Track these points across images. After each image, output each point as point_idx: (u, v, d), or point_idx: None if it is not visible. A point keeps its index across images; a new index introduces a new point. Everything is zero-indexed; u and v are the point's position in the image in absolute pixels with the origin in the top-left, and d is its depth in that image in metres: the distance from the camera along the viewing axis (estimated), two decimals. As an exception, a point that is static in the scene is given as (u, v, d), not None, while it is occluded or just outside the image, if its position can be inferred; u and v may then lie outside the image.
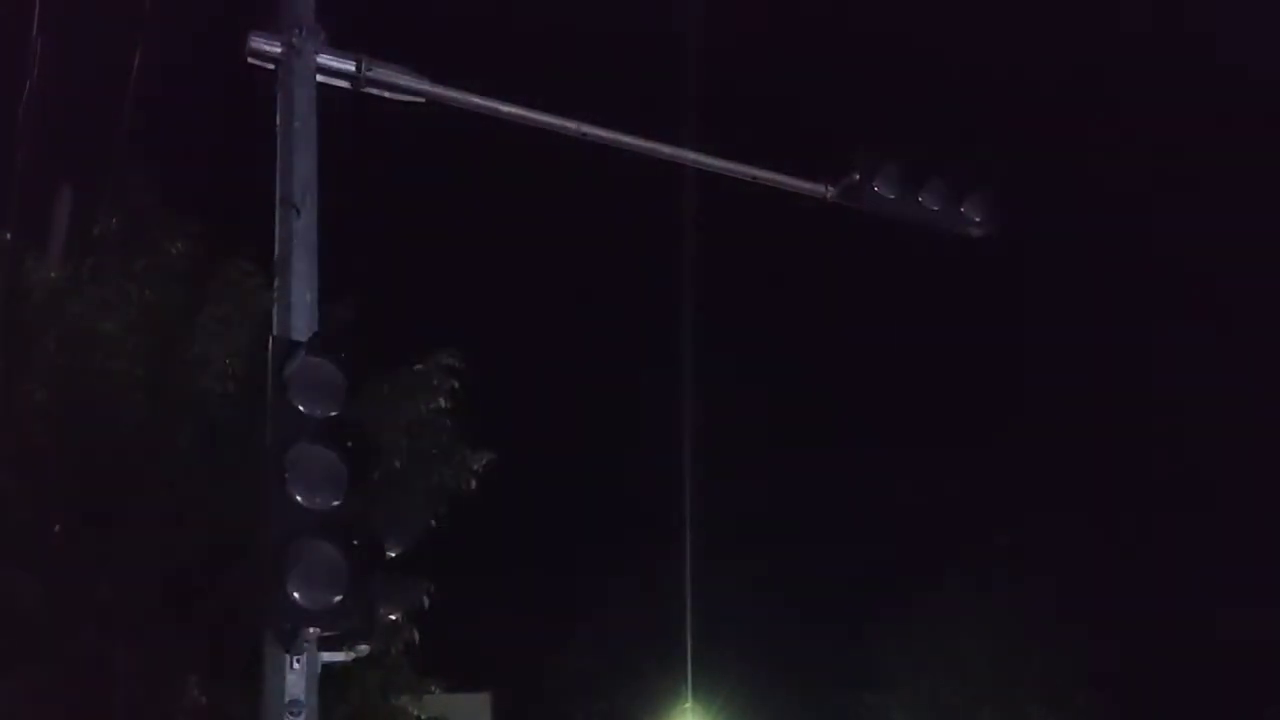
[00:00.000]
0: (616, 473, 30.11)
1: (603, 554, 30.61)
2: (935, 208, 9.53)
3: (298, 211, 7.01)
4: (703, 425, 25.57)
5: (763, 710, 28.31)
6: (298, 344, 6.61)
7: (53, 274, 12.22)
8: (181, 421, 11.40)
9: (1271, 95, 26.71)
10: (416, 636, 11.83)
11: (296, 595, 6.06)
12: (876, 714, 27.18)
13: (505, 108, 8.44)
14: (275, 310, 7.01)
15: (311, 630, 6.20)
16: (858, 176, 9.36)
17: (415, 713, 12.59)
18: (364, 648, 6.71)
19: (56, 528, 10.96)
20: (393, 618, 11.19)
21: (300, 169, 7.16)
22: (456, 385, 12.34)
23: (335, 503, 6.30)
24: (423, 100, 8.07)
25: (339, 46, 7.67)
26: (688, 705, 27.60)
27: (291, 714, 6.27)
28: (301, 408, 6.38)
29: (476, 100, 8.32)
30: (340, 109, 7.72)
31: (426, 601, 11.39)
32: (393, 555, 6.72)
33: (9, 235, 12.11)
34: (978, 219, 9.66)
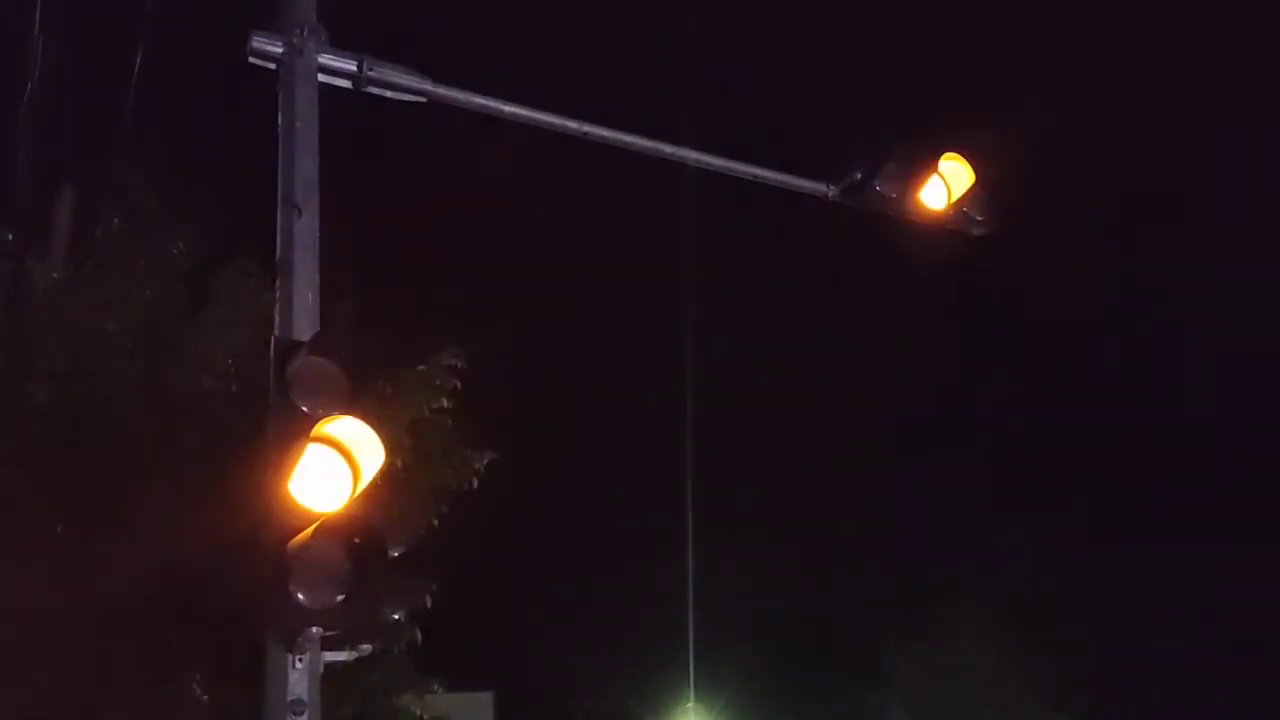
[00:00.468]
0: (618, 471, 30.12)
1: (605, 553, 30.62)
2: (937, 207, 9.53)
3: (299, 211, 7.00)
4: (705, 423, 25.58)
5: (764, 709, 28.33)
6: (299, 344, 6.61)
7: (54, 274, 12.23)
8: (183, 422, 11.40)
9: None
10: (419, 636, 11.84)
11: (299, 595, 6.07)
12: (878, 713, 27.18)
13: (507, 107, 8.44)
14: (277, 310, 7.01)
15: (314, 630, 6.19)
16: (859, 175, 9.37)
17: (418, 712, 12.60)
18: (366, 647, 6.73)
19: (59, 528, 10.96)
20: (395, 617, 11.21)
21: (302, 169, 7.16)
22: (458, 385, 12.34)
23: (338, 503, 6.30)
24: (424, 100, 8.07)
25: (340, 46, 7.67)
26: (690, 704, 27.64)
27: (294, 713, 6.26)
28: (304, 408, 6.38)
29: (478, 100, 8.32)
30: (342, 109, 7.73)
31: (429, 601, 11.40)
32: (395, 555, 6.71)
33: (10, 235, 12.12)
34: (979, 218, 9.66)
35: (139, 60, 10.67)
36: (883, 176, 9.38)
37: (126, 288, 11.83)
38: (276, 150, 7.26)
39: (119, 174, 12.13)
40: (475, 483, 12.35)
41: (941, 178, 9.50)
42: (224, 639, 10.52)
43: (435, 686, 12.72)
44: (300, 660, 6.27)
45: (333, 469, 6.32)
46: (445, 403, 12.25)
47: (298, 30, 7.42)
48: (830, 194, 9.47)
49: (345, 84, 7.72)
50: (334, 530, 6.18)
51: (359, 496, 6.33)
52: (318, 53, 7.50)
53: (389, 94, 7.93)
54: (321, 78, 7.52)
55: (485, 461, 12.43)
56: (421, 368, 12.24)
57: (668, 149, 9.06)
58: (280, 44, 7.43)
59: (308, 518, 6.17)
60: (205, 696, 10.91)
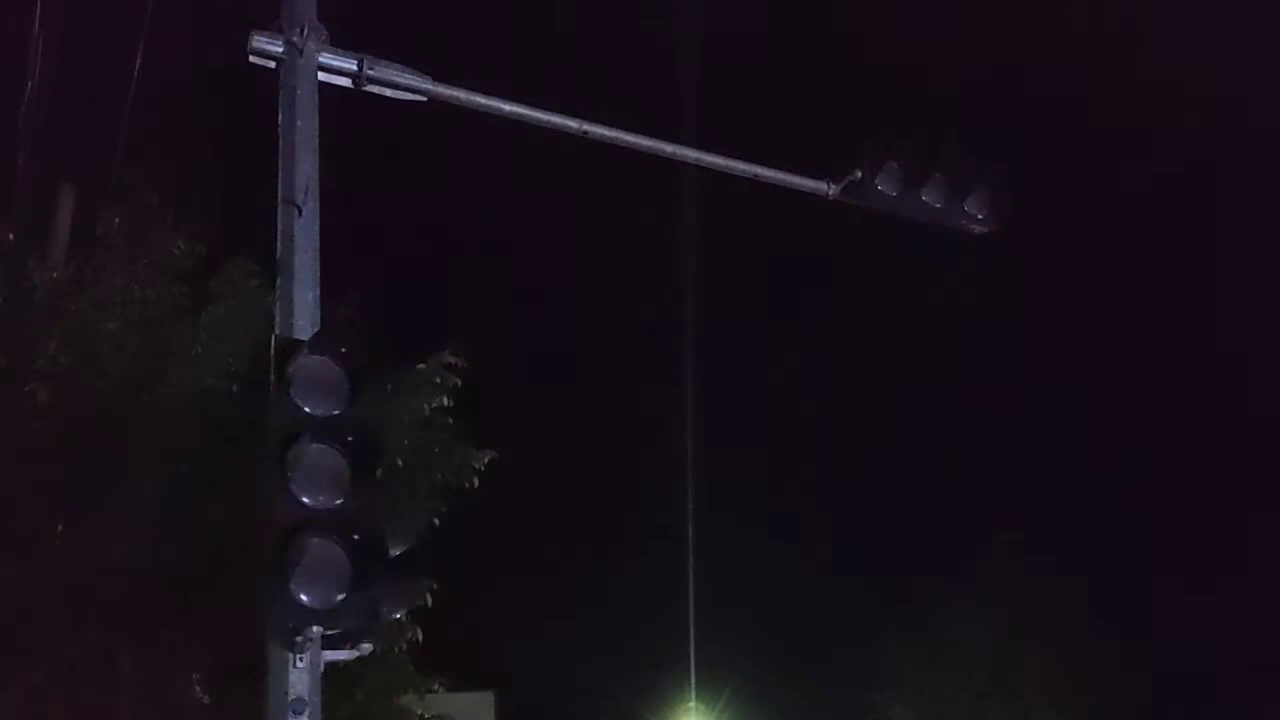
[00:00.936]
0: (619, 470, 30.11)
1: (606, 552, 30.62)
2: (937, 205, 9.53)
3: (299, 210, 7.01)
4: (705, 422, 25.57)
5: (766, 708, 28.30)
6: (300, 342, 6.61)
7: (54, 274, 12.23)
8: (184, 420, 11.40)
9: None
10: (420, 635, 11.83)
11: (300, 594, 6.07)
12: (881, 712, 27.16)
13: (507, 106, 8.44)
14: (277, 309, 7.01)
15: (315, 629, 6.20)
16: (860, 174, 9.37)
17: (419, 711, 12.59)
18: (367, 646, 6.72)
19: (59, 527, 10.96)
20: (396, 616, 11.18)
21: (302, 167, 7.17)
22: (459, 383, 12.33)
23: (338, 501, 6.30)
24: (424, 99, 8.07)
25: (340, 45, 7.68)
26: (692, 704, 27.63)
27: (295, 713, 6.27)
28: (304, 406, 6.38)
29: (478, 99, 8.32)
30: (342, 107, 7.73)
31: (429, 600, 11.38)
32: (395, 554, 6.71)
33: (11, 235, 12.12)
34: (980, 216, 9.66)
35: (139, 59, 10.67)
36: (884, 175, 9.38)
37: (127, 287, 11.83)
38: (277, 149, 7.27)
39: (119, 173, 12.13)
40: (476, 481, 12.34)
41: (941, 175, 9.50)
42: (224, 638, 10.52)
43: (436, 686, 12.72)
44: (301, 659, 6.27)
45: (333, 468, 6.32)
46: (445, 401, 12.25)
47: (298, 29, 7.43)
48: (831, 192, 9.47)
49: (345, 83, 7.73)
50: (335, 529, 6.19)
51: (359, 495, 6.33)
52: (318, 52, 7.51)
53: (389, 93, 7.94)
54: (322, 76, 7.54)
55: (486, 460, 12.42)
56: (421, 366, 12.24)
57: (668, 147, 9.06)
58: (280, 43, 7.44)
59: (308, 516, 6.17)
60: (206, 696, 10.91)
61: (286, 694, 6.27)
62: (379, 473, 6.40)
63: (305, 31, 7.42)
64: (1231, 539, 28.08)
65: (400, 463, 11.58)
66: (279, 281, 7.04)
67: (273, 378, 6.46)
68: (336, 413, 6.40)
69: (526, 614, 29.15)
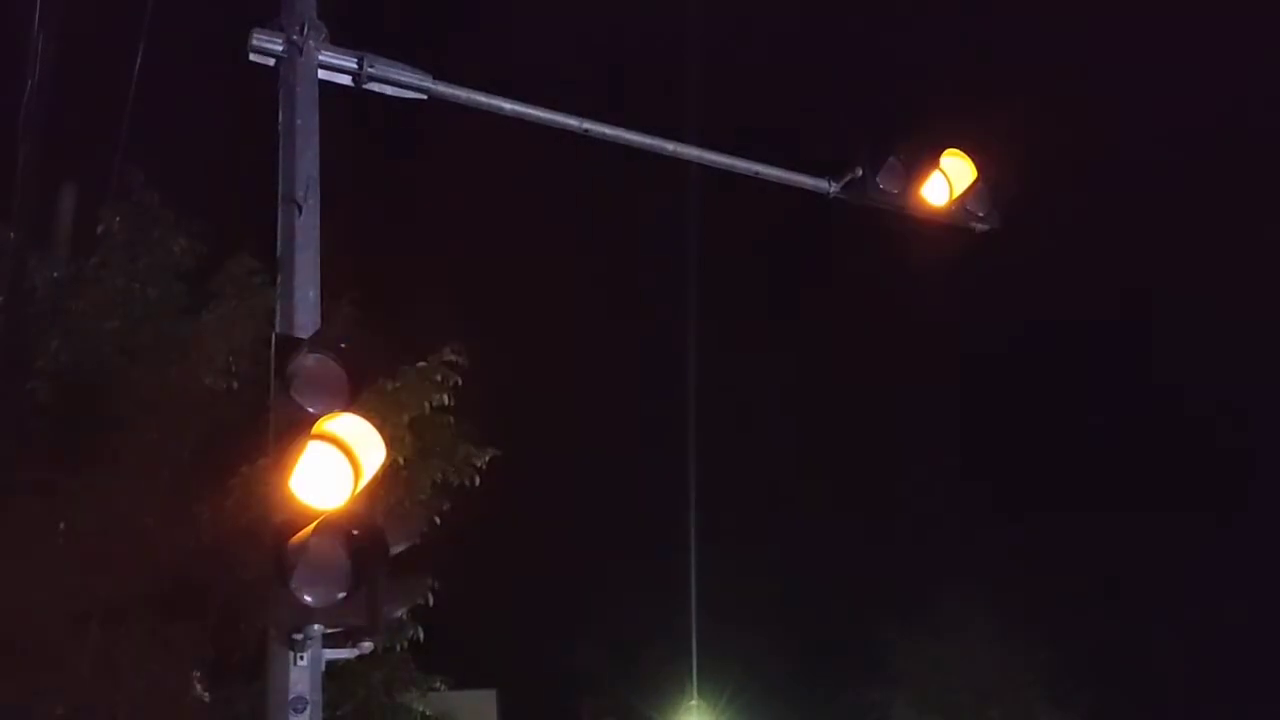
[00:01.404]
0: (621, 468, 30.12)
1: (608, 551, 30.64)
2: (938, 203, 9.52)
3: (300, 208, 7.00)
4: (707, 420, 25.57)
5: (768, 706, 28.32)
6: (300, 340, 6.60)
7: (56, 273, 12.24)
8: (185, 419, 11.41)
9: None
10: (421, 633, 11.83)
11: (300, 592, 6.06)
12: (883, 711, 27.17)
13: (507, 105, 8.43)
14: (278, 307, 7.01)
15: (315, 627, 6.20)
16: (860, 171, 9.36)
17: (421, 709, 12.59)
18: (368, 645, 6.71)
19: (61, 525, 10.97)
20: (397, 615, 11.18)
21: (302, 166, 7.16)
22: (460, 382, 12.32)
23: (339, 500, 6.30)
24: (424, 97, 8.06)
25: (341, 43, 7.67)
26: (693, 702, 27.64)
27: (296, 711, 6.26)
28: (305, 405, 6.38)
29: (478, 97, 8.31)
30: (342, 106, 7.73)
31: (431, 598, 11.38)
32: (396, 552, 6.71)
33: (13, 234, 12.13)
34: (981, 213, 9.65)
35: (140, 58, 10.66)
36: (884, 173, 9.37)
37: (128, 286, 11.84)
38: (277, 147, 7.27)
39: (120, 172, 12.13)
40: (477, 480, 12.33)
41: (943, 174, 9.49)
42: (226, 636, 10.53)
43: (438, 684, 12.72)
44: (302, 657, 6.27)
45: (334, 466, 6.31)
46: (447, 399, 12.24)
47: (298, 28, 7.42)
48: (832, 191, 9.46)
49: (346, 81, 7.72)
50: (335, 528, 6.18)
51: (360, 494, 6.32)
52: (318, 50, 7.50)
53: (389, 91, 7.93)
54: (322, 75, 7.52)
55: (487, 458, 12.41)
56: (423, 364, 12.23)
57: (669, 146, 9.05)
58: (281, 41, 7.43)
59: (309, 515, 6.16)
60: (207, 694, 10.91)
61: (287, 692, 6.27)
62: (380, 471, 6.38)
63: (305, 29, 7.41)
64: (1232, 538, 28.06)
65: (401, 461, 11.57)
66: (279, 279, 7.04)
67: (273, 375, 6.45)
68: (338, 411, 6.39)
69: (529, 612, 29.17)
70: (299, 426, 6.29)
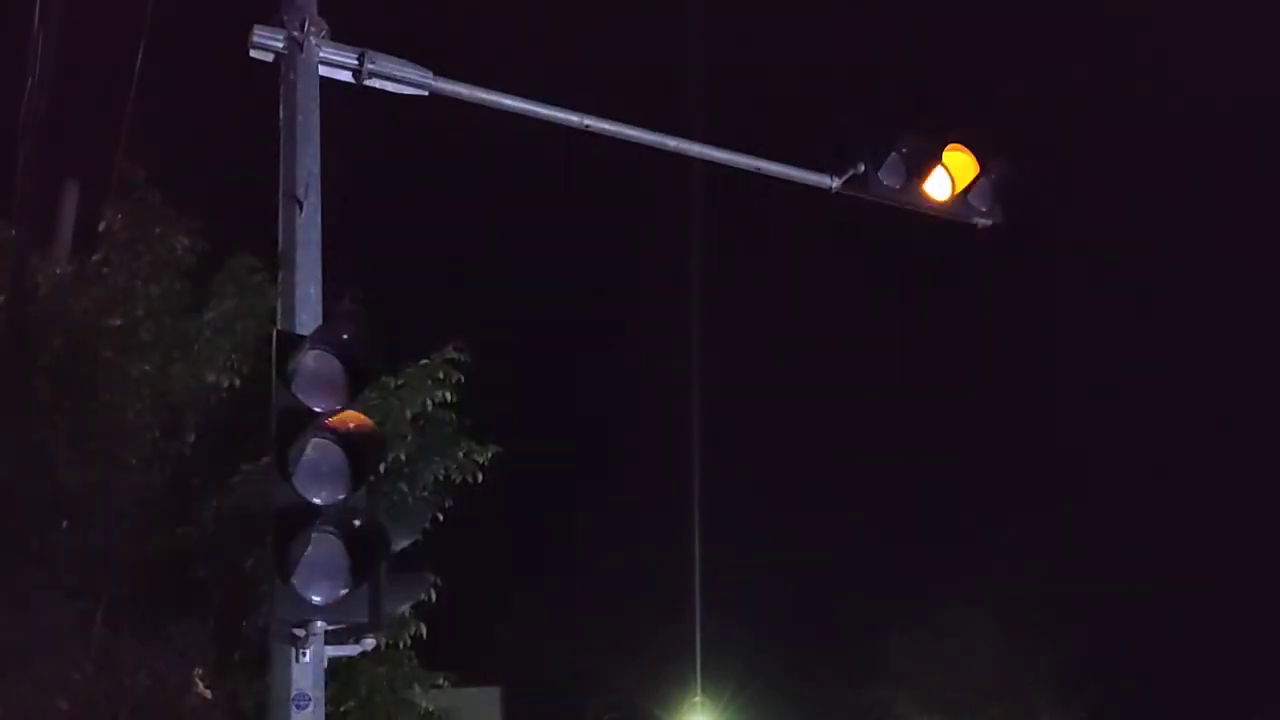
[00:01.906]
0: (624, 465, 30.12)
1: (611, 547, 30.63)
2: (941, 198, 9.50)
3: (301, 205, 7.00)
4: (709, 416, 25.57)
5: (772, 703, 28.31)
6: (302, 337, 6.60)
7: (58, 270, 12.22)
8: (187, 416, 11.41)
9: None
10: (423, 630, 11.81)
11: (303, 589, 6.06)
12: (886, 708, 27.17)
13: (508, 100, 8.42)
14: (279, 304, 7.00)
15: (318, 624, 6.19)
16: (863, 167, 9.34)
17: (425, 705, 12.58)
18: (370, 641, 6.71)
19: (64, 523, 10.97)
20: (399, 611, 11.17)
21: (303, 162, 7.16)
22: (462, 379, 12.31)
23: (341, 497, 6.29)
24: (425, 93, 8.06)
25: (341, 40, 7.66)
26: (698, 699, 27.63)
27: (298, 707, 6.26)
28: (306, 401, 6.37)
29: (479, 93, 8.31)
30: (343, 102, 7.72)
31: (433, 595, 11.37)
32: (398, 549, 6.70)
33: (14, 232, 12.11)
34: (983, 208, 9.64)
35: (141, 55, 10.65)
36: (886, 168, 9.35)
37: (129, 283, 11.83)
38: (278, 144, 7.26)
39: (122, 170, 12.12)
40: (479, 476, 12.32)
41: (946, 169, 9.48)
42: (228, 633, 10.52)
43: (442, 681, 12.70)
44: (304, 654, 6.27)
45: (336, 463, 6.31)
46: (449, 396, 12.23)
47: (299, 24, 7.42)
48: (834, 186, 9.45)
49: (346, 77, 7.72)
50: (337, 524, 6.18)
51: (362, 491, 6.32)
52: (319, 46, 7.50)
53: (390, 87, 7.93)
54: (323, 71, 7.52)
55: (489, 455, 12.40)
56: (425, 361, 12.22)
57: (671, 141, 9.04)
58: (281, 38, 7.43)
59: (311, 511, 6.16)
60: (209, 690, 10.90)
61: (290, 688, 6.27)
62: (382, 468, 6.38)
63: (306, 26, 7.42)
64: (1231, 539, 28.06)
65: (403, 458, 11.57)
66: (281, 276, 7.03)
67: (275, 373, 6.44)
68: (339, 408, 6.39)
69: (532, 609, 29.16)
70: (301, 423, 6.29)
